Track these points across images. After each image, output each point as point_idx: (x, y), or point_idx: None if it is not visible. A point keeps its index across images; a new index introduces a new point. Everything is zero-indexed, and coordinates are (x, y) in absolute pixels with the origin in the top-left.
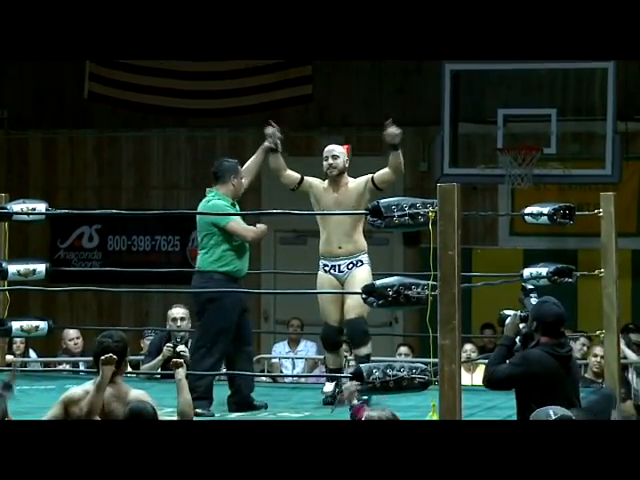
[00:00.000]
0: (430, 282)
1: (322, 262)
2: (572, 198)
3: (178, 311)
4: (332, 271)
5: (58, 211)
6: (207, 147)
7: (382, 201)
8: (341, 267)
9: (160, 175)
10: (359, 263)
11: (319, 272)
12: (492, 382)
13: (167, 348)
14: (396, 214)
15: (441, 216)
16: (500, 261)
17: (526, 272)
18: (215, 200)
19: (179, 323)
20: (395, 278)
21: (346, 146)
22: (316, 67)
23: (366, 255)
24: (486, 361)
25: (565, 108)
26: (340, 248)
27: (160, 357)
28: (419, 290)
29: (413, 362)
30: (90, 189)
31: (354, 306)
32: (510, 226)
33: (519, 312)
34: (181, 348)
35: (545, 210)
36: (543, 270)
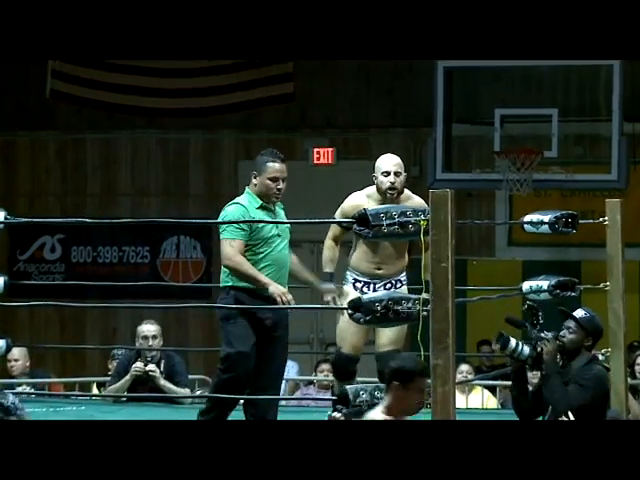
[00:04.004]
0: (422, 296)
1: (352, 275)
2: (575, 205)
3: (149, 328)
4: (365, 289)
5: (17, 220)
6: (180, 150)
7: (370, 209)
8: (377, 287)
9: (128, 180)
10: (398, 284)
11: (345, 286)
12: (575, 410)
13: (135, 368)
14: (385, 223)
15: (433, 225)
16: (497, 273)
17: (525, 285)
18: (236, 201)
19: (150, 342)
20: (383, 292)
21: (330, 149)
22: (298, 64)
23: (405, 273)
24: (482, 382)
25: (567, 108)
26: (379, 270)
27: (128, 378)
28: (409, 305)
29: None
30: (52, 196)
31: (394, 339)
32: (508, 236)
33: (549, 334)
34: (151, 368)
35: (546, 218)
36: (544, 283)
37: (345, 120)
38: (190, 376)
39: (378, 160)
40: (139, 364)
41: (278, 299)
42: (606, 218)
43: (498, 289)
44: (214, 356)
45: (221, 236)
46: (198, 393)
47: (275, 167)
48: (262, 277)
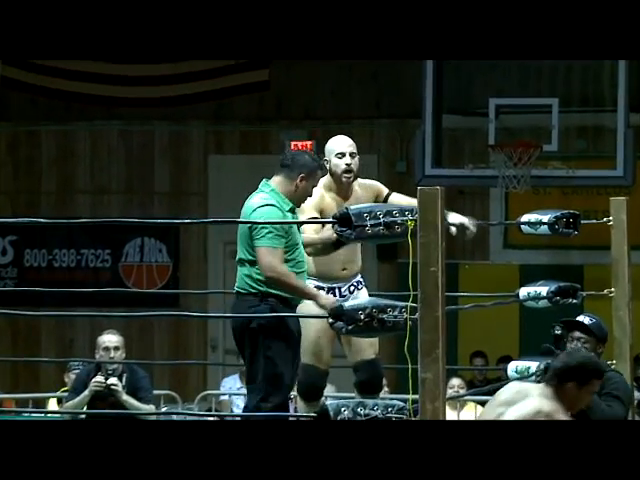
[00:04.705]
0: (409, 304)
1: (314, 284)
2: (577, 204)
3: (110, 339)
4: (330, 294)
5: None
6: (144, 143)
7: (352, 208)
8: (342, 291)
9: (87, 177)
10: (360, 285)
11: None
12: None
13: (95, 383)
14: (369, 223)
15: (422, 226)
16: (492, 278)
17: (522, 292)
18: (269, 202)
19: (112, 354)
20: (367, 299)
21: (309, 143)
22: None
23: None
24: (475, 397)
25: (569, 97)
26: (344, 270)
27: (87, 393)
28: (396, 313)
29: (389, 399)
30: (3, 194)
31: (372, 342)
32: (504, 237)
33: None
34: (112, 382)
35: (545, 218)
36: (543, 289)
37: (325, 110)
38: (155, 391)
39: (329, 143)
40: (99, 378)
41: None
42: (611, 218)
43: (493, 296)
44: (181, 370)
45: (258, 242)
46: (163, 410)
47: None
48: (310, 289)
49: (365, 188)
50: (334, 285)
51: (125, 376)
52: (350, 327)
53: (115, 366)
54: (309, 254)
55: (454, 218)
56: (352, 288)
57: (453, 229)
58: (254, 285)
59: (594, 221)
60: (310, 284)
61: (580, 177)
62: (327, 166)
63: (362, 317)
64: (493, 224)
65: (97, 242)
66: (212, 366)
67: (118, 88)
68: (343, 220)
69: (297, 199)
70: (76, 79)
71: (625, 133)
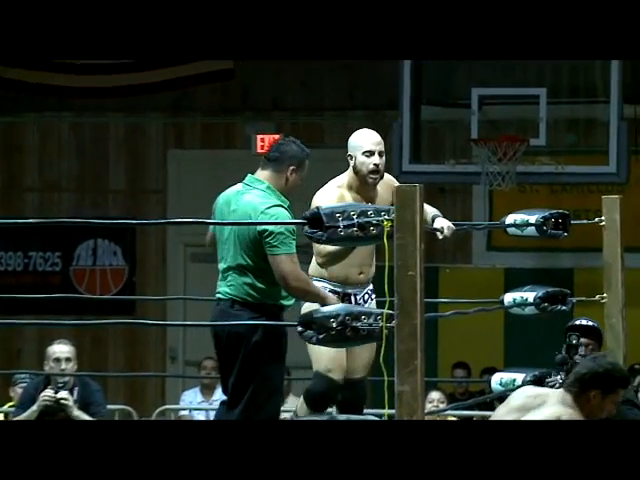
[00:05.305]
0: (385, 311)
1: (329, 286)
2: (567, 203)
3: (61, 349)
4: (345, 301)
5: None
6: (97, 137)
7: (323, 207)
8: (358, 297)
9: (36, 173)
10: (373, 294)
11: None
12: None
13: (44, 397)
14: (341, 224)
15: (399, 226)
16: (475, 283)
17: (508, 297)
18: (275, 202)
19: (63, 365)
20: (340, 306)
21: (277, 136)
22: None
23: None
24: (456, 412)
25: (558, 88)
26: (361, 274)
27: (35, 408)
28: (371, 321)
29: (362, 414)
30: None
31: (367, 364)
32: (488, 239)
33: None
34: (63, 395)
35: (532, 219)
36: (529, 295)
37: (294, 101)
38: (109, 406)
39: (356, 137)
40: (49, 392)
41: None
42: (603, 218)
43: (475, 302)
44: (137, 383)
45: (276, 250)
46: None
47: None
48: (322, 291)
49: (385, 187)
50: (349, 291)
51: (77, 390)
52: (321, 336)
53: (67, 379)
54: (323, 263)
55: (440, 223)
56: (367, 297)
57: (440, 235)
58: (255, 295)
59: (585, 221)
60: (325, 289)
61: (570, 174)
62: (351, 162)
63: (334, 325)
64: (476, 225)
65: (46, 244)
66: (171, 379)
67: (69, 77)
68: (313, 221)
69: (287, 193)
70: (24, 67)
71: (618, 126)
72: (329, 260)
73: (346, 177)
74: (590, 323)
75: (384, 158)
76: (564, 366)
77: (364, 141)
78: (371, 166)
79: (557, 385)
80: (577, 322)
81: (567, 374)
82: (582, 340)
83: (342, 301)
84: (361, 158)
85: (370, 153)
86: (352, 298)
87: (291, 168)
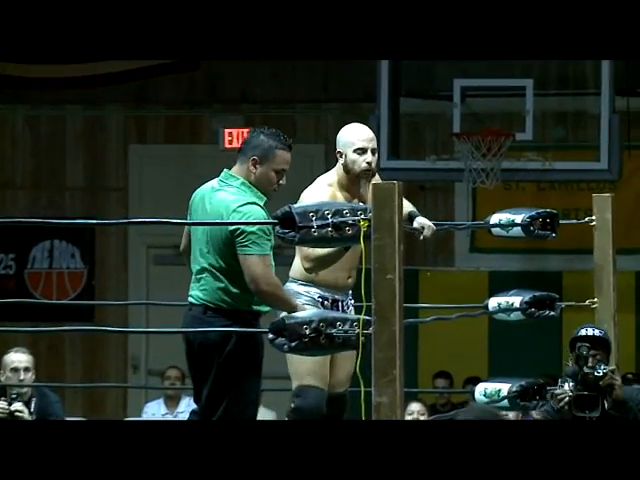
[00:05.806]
0: (362, 317)
1: (315, 291)
2: (555, 201)
3: (19, 358)
4: (334, 308)
5: None
6: (54, 131)
7: (296, 206)
8: (344, 303)
9: None
10: (352, 299)
11: (308, 306)
12: None
13: None
14: (315, 224)
15: (377, 227)
16: (457, 287)
17: (492, 302)
18: (248, 199)
19: (22, 376)
20: (313, 312)
21: (245, 130)
22: None
23: None
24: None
25: (545, 79)
26: (350, 278)
27: None
28: (346, 328)
29: None
30: None
31: (350, 376)
32: (471, 240)
33: (606, 367)
34: (17, 407)
35: (518, 218)
36: (515, 300)
37: (265, 93)
38: (67, 418)
39: (346, 132)
40: (2, 404)
41: None
42: (594, 217)
43: (458, 307)
44: (97, 393)
45: (247, 250)
46: None
47: (285, 157)
48: (294, 300)
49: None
50: (337, 297)
51: (34, 401)
52: (293, 344)
53: (24, 390)
54: (311, 268)
55: (420, 222)
56: (350, 302)
57: (420, 235)
58: (229, 301)
59: (574, 221)
60: (315, 294)
61: (558, 170)
62: (340, 160)
63: (307, 332)
64: (459, 226)
65: (0, 245)
66: (133, 389)
67: (24, 67)
68: (285, 220)
69: (259, 187)
70: None
71: (610, 119)
72: (317, 265)
73: (335, 175)
74: (597, 333)
75: (377, 155)
76: (575, 377)
77: (355, 137)
78: (364, 165)
79: (566, 397)
80: (584, 331)
81: (577, 385)
82: (588, 352)
83: (331, 308)
84: (352, 156)
85: (362, 151)
86: (339, 304)
87: (252, 159)
